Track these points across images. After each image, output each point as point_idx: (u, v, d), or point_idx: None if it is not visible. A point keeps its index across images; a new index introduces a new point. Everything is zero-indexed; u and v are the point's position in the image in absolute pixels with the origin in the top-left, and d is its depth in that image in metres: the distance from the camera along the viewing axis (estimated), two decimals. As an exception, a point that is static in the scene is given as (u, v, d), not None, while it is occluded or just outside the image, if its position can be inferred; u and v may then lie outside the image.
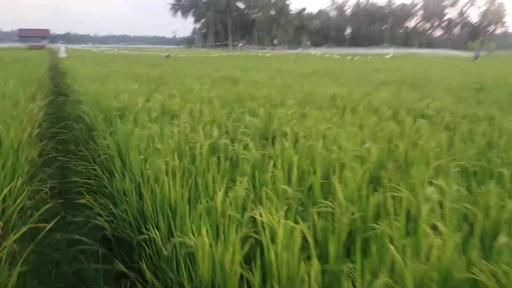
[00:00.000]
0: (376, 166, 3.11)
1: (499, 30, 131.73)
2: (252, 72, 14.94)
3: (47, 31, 74.57)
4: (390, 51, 57.12)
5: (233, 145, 3.70)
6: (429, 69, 18.82)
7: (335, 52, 59.77)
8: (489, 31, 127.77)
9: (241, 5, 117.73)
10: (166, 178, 2.70)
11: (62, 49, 30.77)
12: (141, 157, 3.19)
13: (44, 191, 3.41)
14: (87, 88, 7.36)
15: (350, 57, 42.55)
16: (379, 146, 3.52)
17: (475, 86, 9.82)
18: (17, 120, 4.26)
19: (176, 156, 3.21)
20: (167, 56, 31.51)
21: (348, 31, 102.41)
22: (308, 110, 5.60)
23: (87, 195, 3.23)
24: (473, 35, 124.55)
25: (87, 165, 3.90)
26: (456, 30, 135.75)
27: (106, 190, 3.30)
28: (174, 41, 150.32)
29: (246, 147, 3.62)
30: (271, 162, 3.04)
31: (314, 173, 2.83)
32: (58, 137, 5.37)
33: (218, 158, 3.33)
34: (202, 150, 3.39)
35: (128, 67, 15.50)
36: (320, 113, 5.34)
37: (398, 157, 3.44)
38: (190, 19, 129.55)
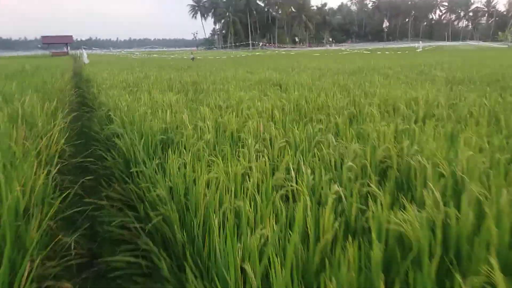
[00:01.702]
0: None
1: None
2: (289, 72, 13.61)
3: (70, 37, 74.73)
4: (419, 45, 54.84)
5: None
6: (482, 61, 17.07)
7: (362, 47, 57.85)
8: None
9: (260, 3, 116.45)
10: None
11: (85, 55, 30.08)
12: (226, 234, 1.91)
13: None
14: (116, 101, 6.18)
15: (380, 52, 40.75)
16: None
17: None
18: (29, 158, 3.05)
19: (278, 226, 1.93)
20: (193, 58, 30.44)
21: (385, 24, 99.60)
22: (428, 126, 4.23)
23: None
24: (501, 25, 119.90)
25: (129, 226, 2.66)
26: (483, 20, 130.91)
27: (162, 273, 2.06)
28: (194, 43, 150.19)
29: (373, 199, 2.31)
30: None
31: None
32: (85, 174, 4.17)
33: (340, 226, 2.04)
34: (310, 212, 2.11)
35: (156, 72, 14.38)
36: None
37: None
38: (210, 20, 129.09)
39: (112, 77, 12.09)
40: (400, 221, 1.93)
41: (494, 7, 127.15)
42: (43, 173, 2.75)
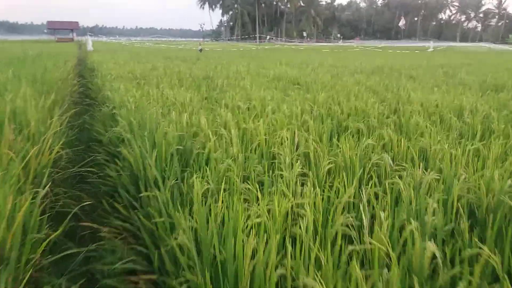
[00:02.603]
0: None
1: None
2: (303, 68, 12.87)
3: (76, 23, 73.65)
4: (430, 45, 53.83)
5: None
6: (504, 64, 16.25)
7: (371, 45, 56.78)
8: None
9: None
10: None
11: (90, 42, 29.21)
12: None
13: None
14: (123, 97, 5.47)
15: (391, 50, 39.87)
16: None
17: None
18: (10, 174, 2.36)
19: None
20: (201, 50, 29.58)
21: (402, 22, 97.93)
22: None
23: None
24: (511, 27, 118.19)
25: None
26: (493, 22, 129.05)
27: None
28: (201, 34, 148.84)
29: None
30: None
31: None
32: (83, 187, 3.48)
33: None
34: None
35: (164, 63, 13.63)
36: None
37: None
38: (218, 11, 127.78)
39: (118, 66, 11.36)
40: None
41: (505, 9, 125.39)
42: (25, 200, 2.05)
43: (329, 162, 2.88)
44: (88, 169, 3.60)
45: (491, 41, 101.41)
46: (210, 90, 7.09)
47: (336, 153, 3.10)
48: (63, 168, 3.75)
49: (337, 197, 2.37)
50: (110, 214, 2.91)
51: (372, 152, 3.26)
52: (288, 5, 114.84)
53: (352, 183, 2.51)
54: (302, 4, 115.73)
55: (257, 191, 2.35)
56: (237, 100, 5.57)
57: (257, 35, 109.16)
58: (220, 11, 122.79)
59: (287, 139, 3.52)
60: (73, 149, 4.48)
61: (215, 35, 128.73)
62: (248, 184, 2.44)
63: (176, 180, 2.75)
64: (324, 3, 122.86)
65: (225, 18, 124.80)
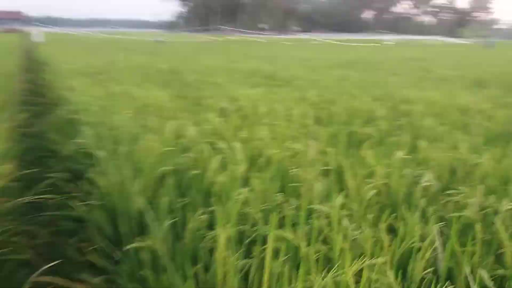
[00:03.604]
0: None
1: (484, 17, 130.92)
2: (275, 62, 12.21)
3: (18, 13, 69.18)
4: (389, 38, 54.86)
5: None
6: (472, 60, 16.33)
7: (329, 38, 56.89)
8: (475, 17, 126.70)
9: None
10: None
11: (36, 33, 26.83)
12: None
13: None
14: (82, 97, 4.58)
15: (355, 44, 40.04)
16: None
17: None
18: None
19: None
20: (159, 41, 28.09)
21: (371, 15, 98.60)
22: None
23: None
24: (460, 21, 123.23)
25: None
26: (443, 16, 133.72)
27: None
28: (157, 25, 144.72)
29: None
30: None
31: None
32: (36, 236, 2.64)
33: None
34: None
35: (123, 55, 12.54)
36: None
37: None
38: (176, 2, 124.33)
39: (72, 59, 10.23)
40: None
41: (453, 3, 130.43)
42: None
43: (370, 189, 2.22)
44: (41, 197, 2.75)
45: (442, 34, 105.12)
46: (182, 87, 6.29)
47: (371, 171, 2.45)
48: (7, 192, 2.88)
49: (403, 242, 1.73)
50: (79, 264, 2.13)
51: (406, 166, 2.64)
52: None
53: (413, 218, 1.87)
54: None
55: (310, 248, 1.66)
56: (219, 99, 4.82)
57: (216, 26, 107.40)
58: (178, 1, 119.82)
59: (297, 150, 2.85)
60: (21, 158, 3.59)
61: (172, 26, 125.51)
62: (284, 230, 1.74)
63: (174, 218, 2.01)
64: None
65: (183, 9, 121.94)
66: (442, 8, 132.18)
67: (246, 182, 2.43)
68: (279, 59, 13.70)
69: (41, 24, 47.95)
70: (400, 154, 2.75)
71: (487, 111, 4.72)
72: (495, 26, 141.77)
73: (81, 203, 2.52)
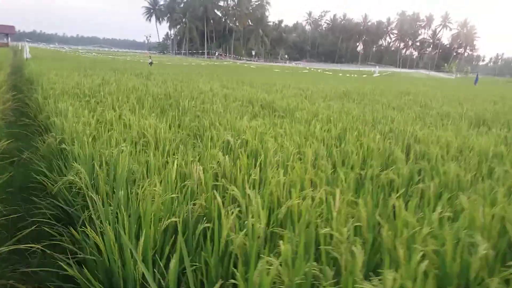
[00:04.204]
0: None
1: (469, 53, 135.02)
2: (270, 90, 11.97)
3: (11, 27, 68.47)
4: (375, 69, 55.75)
5: None
6: (459, 93, 16.40)
7: (318, 67, 57.66)
8: (460, 53, 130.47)
9: (218, 13, 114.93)
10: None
11: (27, 49, 26.51)
12: None
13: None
14: (73, 123, 4.19)
15: (341, 74, 40.50)
16: None
17: None
18: None
19: None
20: (151, 63, 27.83)
21: (360, 47, 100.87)
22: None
23: None
24: (444, 56, 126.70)
25: None
26: (428, 51, 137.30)
27: None
28: (146, 46, 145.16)
29: None
30: None
31: None
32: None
33: None
34: None
35: (114, 76, 12.17)
36: None
37: None
38: (165, 24, 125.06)
39: (61, 79, 9.82)
40: None
41: (439, 39, 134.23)
42: None
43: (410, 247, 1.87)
44: (25, 246, 2.34)
45: (427, 68, 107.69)
46: (179, 114, 5.94)
47: (412, 235, 2.12)
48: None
49: None
50: None
51: (451, 227, 2.32)
52: (237, 23, 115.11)
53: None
54: (250, 23, 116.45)
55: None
56: (223, 132, 4.48)
57: (206, 50, 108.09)
58: (168, 24, 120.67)
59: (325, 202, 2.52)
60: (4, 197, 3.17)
61: (161, 47, 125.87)
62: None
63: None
64: (271, 23, 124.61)
65: (172, 31, 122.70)
66: (426, 43, 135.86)
67: (266, 240, 2.07)
68: (274, 87, 13.50)
69: (30, 40, 47.38)
70: (438, 209, 2.43)
71: (504, 155, 4.49)
72: (479, 63, 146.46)
73: (71, 257, 2.13)
